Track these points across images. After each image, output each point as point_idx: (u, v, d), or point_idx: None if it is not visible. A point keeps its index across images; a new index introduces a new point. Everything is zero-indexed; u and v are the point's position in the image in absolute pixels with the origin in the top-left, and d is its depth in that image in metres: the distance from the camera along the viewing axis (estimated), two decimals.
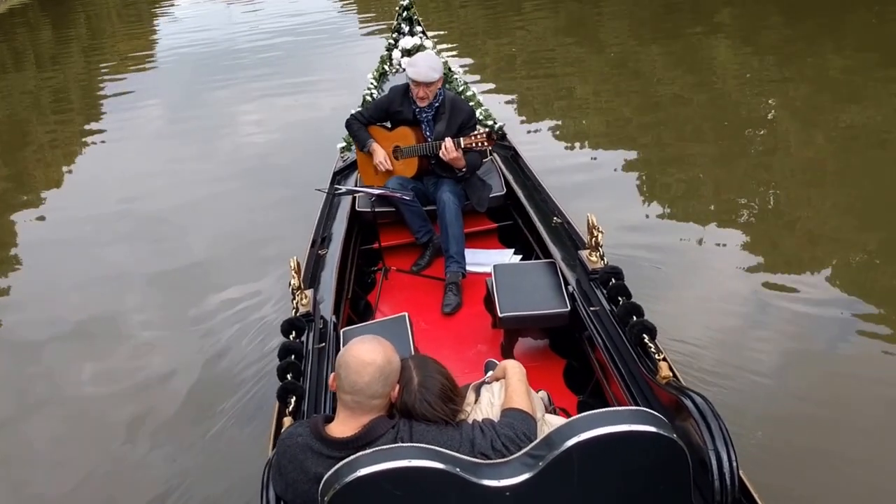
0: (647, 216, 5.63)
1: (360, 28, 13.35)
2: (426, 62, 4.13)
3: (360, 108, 4.96)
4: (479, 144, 4.02)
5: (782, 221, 5.49)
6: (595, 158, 6.90)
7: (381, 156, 4.31)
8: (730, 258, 4.94)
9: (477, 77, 9.78)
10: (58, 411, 4.32)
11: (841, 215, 5.39)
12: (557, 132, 7.73)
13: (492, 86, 9.34)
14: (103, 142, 9.11)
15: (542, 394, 2.79)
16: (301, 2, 17.33)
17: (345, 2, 17.34)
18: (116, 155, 8.54)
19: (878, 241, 5.01)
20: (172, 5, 20.01)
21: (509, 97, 8.98)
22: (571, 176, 6.31)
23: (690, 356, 3.89)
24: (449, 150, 3.99)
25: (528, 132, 7.66)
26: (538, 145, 7.18)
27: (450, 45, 11.64)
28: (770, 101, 7.89)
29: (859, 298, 4.38)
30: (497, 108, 8.19)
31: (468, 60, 10.92)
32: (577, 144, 7.34)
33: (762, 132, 7.14)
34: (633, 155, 6.85)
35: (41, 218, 7.05)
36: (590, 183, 6.23)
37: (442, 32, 12.54)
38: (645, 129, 7.52)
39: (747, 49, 9.69)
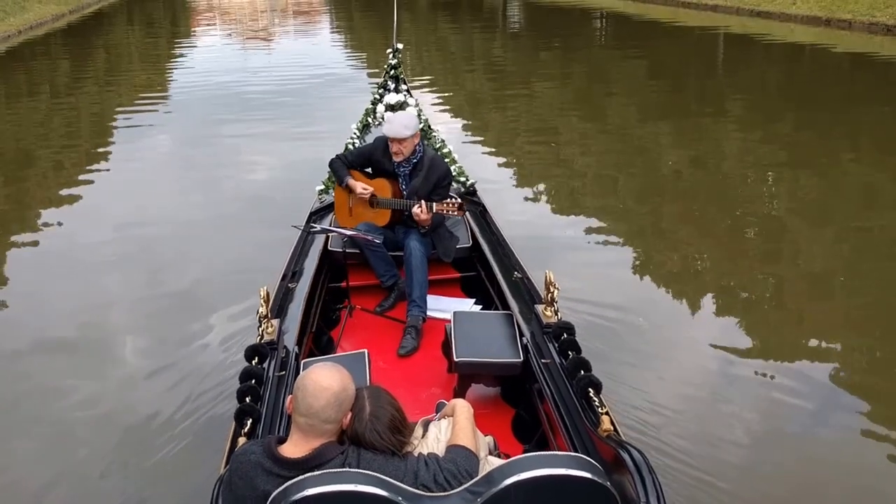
0: (636, 288, 5.75)
1: (369, 82, 13.52)
2: (400, 120, 4.38)
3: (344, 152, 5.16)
4: (450, 213, 4.21)
5: (778, 312, 5.53)
6: (588, 229, 7.02)
7: (359, 187, 4.49)
8: (718, 339, 4.99)
9: (477, 142, 10.11)
10: (14, 422, 4.37)
11: (841, 314, 5.42)
12: (553, 200, 7.91)
13: (492, 152, 9.62)
14: (107, 170, 9.24)
15: (489, 438, 2.89)
16: (313, 52, 18.23)
17: (356, 56, 18.09)
18: (119, 184, 8.71)
19: (875, 346, 5.07)
20: (192, 47, 20.48)
21: (507, 164, 9.24)
22: (561, 242, 6.56)
23: (661, 425, 4.02)
24: (422, 212, 4.18)
25: (524, 199, 7.86)
26: (531, 212, 7.40)
27: (454, 110, 11.98)
28: (779, 196, 7.89)
29: (842, 391, 4.47)
30: (493, 171, 8.58)
31: (470, 125, 11.21)
32: (573, 214, 7.50)
33: (768, 224, 7.10)
34: (628, 229, 7.00)
35: (37, 240, 7.12)
36: (580, 250, 6.44)
37: (447, 93, 12.87)
38: (643, 206, 7.63)
39: (757, 139, 9.78)
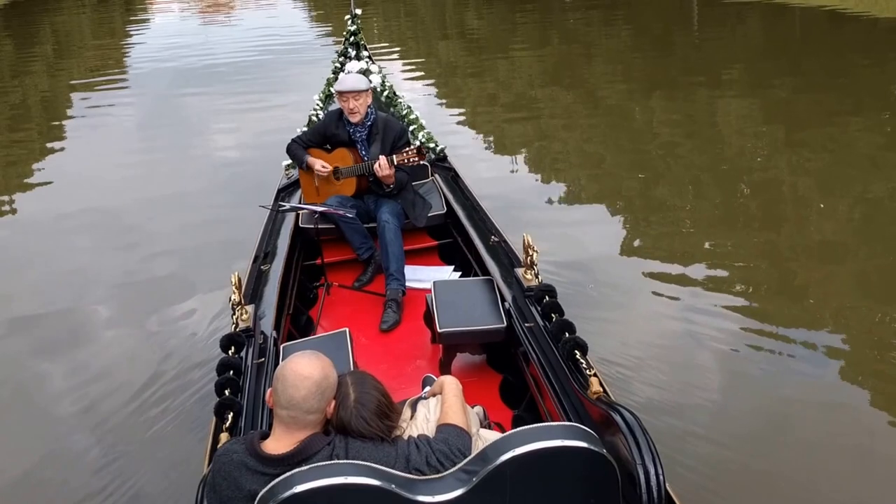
0: (621, 253, 5.64)
1: (333, 51, 13.06)
2: (353, 76, 4.51)
3: (301, 132, 5.05)
4: (410, 160, 4.17)
5: (765, 273, 5.38)
6: (569, 193, 6.89)
7: (318, 164, 4.46)
8: (703, 297, 4.96)
9: (452, 109, 9.92)
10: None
11: (828, 276, 5.31)
12: (531, 166, 7.74)
13: (466, 120, 9.44)
14: (63, 151, 8.99)
15: (478, 409, 2.85)
16: (276, 22, 17.79)
17: (319, 26, 17.72)
18: (77, 165, 8.45)
19: (860, 304, 4.95)
20: (147, 20, 19.87)
21: (483, 131, 9.06)
22: (539, 206, 6.49)
23: (634, 371, 4.07)
24: (383, 167, 4.16)
25: (500, 166, 7.72)
26: (508, 178, 7.28)
27: (427, 80, 11.75)
28: (780, 162, 7.46)
29: (821, 337, 4.49)
30: (468, 139, 8.46)
31: (444, 93, 11.01)
32: (552, 178, 7.37)
33: (760, 190, 6.82)
34: (615, 198, 6.84)
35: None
36: (558, 213, 6.37)
37: (419, 61, 12.62)
38: (633, 175, 7.33)
39: (755, 106, 9.23)
